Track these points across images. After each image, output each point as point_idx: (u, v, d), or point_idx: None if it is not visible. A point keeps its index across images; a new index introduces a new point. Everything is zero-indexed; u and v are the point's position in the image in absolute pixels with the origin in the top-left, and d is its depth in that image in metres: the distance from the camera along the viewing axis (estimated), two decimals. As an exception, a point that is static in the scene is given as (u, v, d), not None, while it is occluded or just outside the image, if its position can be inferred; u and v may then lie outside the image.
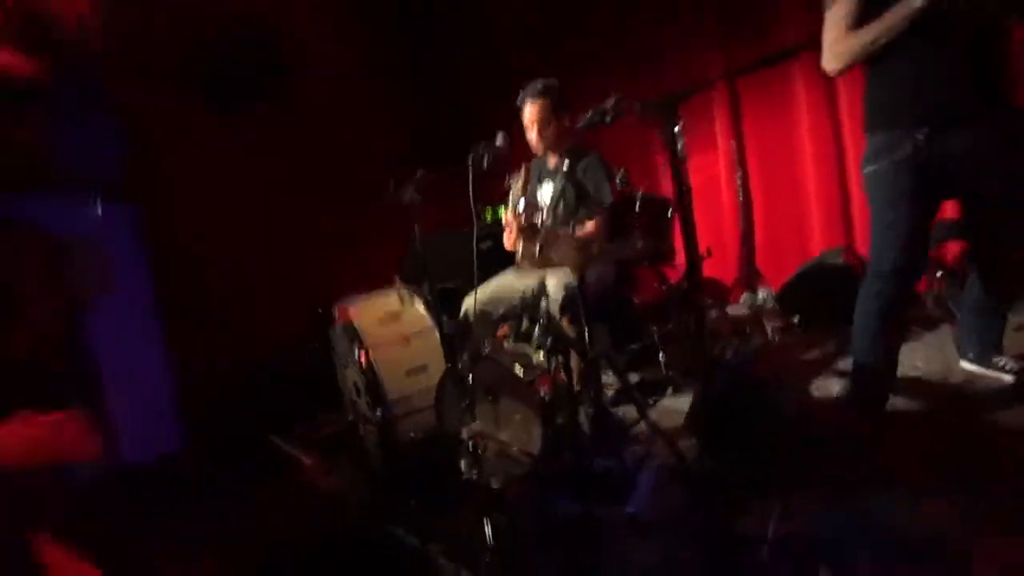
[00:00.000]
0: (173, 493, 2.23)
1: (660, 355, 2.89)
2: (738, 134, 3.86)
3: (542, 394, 1.68)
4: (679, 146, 1.21)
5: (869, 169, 1.90)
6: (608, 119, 1.42)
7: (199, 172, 3.52)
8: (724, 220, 3.99)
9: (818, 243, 3.72)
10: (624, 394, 2.37)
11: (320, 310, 2.54)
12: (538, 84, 2.54)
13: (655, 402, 2.64)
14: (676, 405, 2.58)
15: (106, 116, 3.04)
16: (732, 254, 4.01)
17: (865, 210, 3.47)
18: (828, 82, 3.49)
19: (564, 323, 2.19)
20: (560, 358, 1.81)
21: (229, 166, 3.62)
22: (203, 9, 3.55)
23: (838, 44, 1.75)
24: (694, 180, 3.21)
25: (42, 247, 1.71)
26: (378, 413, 2.27)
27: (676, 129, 1.22)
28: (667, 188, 4.20)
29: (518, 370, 1.74)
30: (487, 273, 2.71)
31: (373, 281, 2.88)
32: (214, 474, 2.50)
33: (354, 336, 2.36)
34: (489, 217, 4.08)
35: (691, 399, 2.12)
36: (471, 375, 1.79)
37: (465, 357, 1.84)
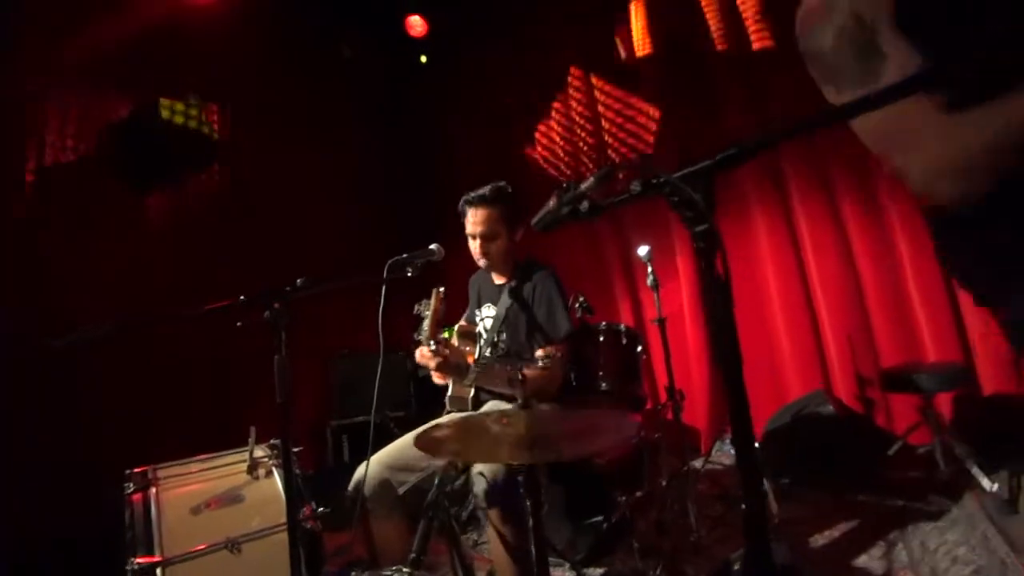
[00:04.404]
0: None
1: (633, 540, 2.13)
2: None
3: None
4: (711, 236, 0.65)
5: None
6: (584, 209, 0.85)
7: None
8: (690, 357, 3.51)
9: (793, 384, 3.28)
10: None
11: (130, 473, 1.58)
12: (486, 189, 1.99)
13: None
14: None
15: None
16: (700, 396, 3.48)
17: (842, 350, 3.25)
18: (788, 216, 3.31)
19: (494, 517, 1.46)
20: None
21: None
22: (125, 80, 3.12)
23: None
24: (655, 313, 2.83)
25: None
26: None
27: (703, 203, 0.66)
28: (627, 319, 3.74)
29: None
30: (425, 411, 1.96)
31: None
32: None
33: (146, 535, 1.38)
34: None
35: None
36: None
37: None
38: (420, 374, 3.77)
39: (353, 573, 1.13)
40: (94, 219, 2.93)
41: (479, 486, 1.48)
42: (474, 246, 2.00)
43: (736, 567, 1.46)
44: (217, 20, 3.55)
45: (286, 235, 3.70)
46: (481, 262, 2.03)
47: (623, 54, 3.85)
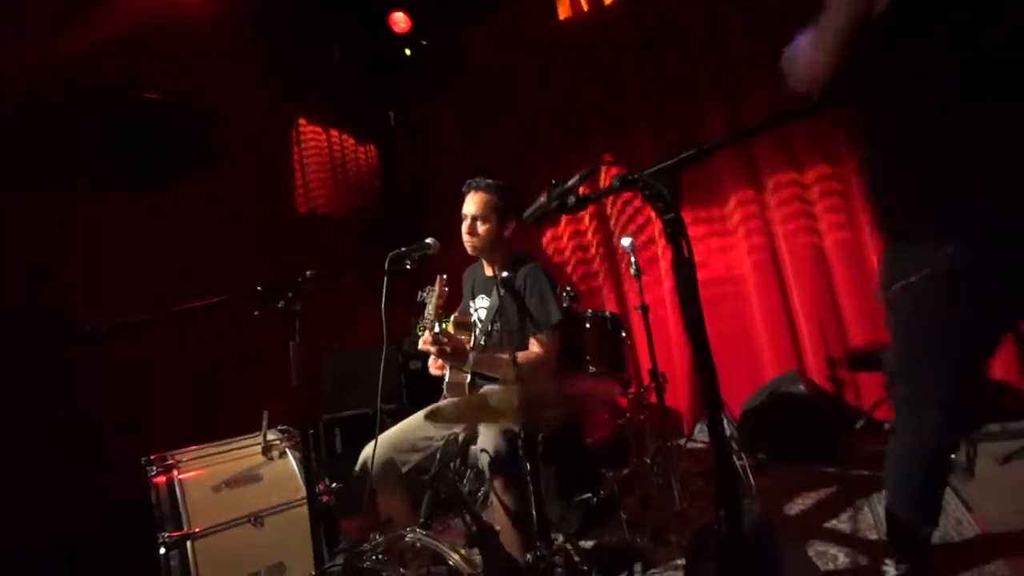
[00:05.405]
0: None
1: (621, 513, 2.28)
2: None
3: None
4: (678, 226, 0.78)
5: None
6: (571, 202, 0.98)
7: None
8: (672, 343, 3.67)
9: (769, 367, 3.45)
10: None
11: (148, 459, 1.68)
12: (488, 179, 2.12)
13: (621, 584, 1.98)
14: (649, 588, 1.95)
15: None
16: (682, 379, 3.65)
17: (813, 333, 3.45)
18: (761, 204, 3.48)
19: (498, 487, 1.59)
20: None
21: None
22: (113, 76, 3.10)
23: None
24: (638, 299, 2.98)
25: None
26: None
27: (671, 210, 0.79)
28: (612, 306, 3.89)
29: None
30: (416, 402, 2.07)
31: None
32: None
33: (173, 512, 1.49)
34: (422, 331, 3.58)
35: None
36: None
37: (338, 559, 1.15)
38: (411, 366, 3.86)
39: (371, 535, 1.24)
40: (88, 218, 2.97)
41: (482, 461, 1.60)
42: (464, 228, 2.11)
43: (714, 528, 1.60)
44: (209, 18, 3.60)
45: (280, 236, 3.77)
46: (468, 244, 2.11)
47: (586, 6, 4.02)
